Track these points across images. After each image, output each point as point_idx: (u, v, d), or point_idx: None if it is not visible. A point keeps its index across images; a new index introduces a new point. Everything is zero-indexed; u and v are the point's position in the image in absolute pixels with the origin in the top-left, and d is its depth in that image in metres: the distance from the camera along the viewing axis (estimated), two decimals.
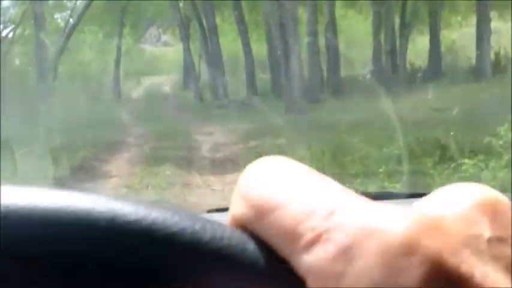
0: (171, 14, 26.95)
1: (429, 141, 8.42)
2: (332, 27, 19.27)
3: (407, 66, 21.64)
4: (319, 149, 8.83)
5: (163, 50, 47.54)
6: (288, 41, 14.18)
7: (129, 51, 31.75)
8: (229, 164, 9.12)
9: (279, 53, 18.18)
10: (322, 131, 10.79)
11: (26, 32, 22.46)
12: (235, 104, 17.67)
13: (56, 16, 26.58)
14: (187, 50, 22.45)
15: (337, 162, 8.01)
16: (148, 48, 46.95)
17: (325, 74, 19.39)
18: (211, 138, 11.55)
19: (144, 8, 29.23)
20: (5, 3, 24.01)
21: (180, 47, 35.70)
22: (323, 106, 15.39)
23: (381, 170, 7.00)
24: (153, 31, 52.80)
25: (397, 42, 20.44)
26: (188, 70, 27.87)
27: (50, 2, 25.62)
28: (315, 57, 17.08)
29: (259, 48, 24.51)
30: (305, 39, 17.13)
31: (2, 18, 23.82)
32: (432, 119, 10.98)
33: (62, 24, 24.15)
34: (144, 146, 10.51)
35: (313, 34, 16.82)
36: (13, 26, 22.56)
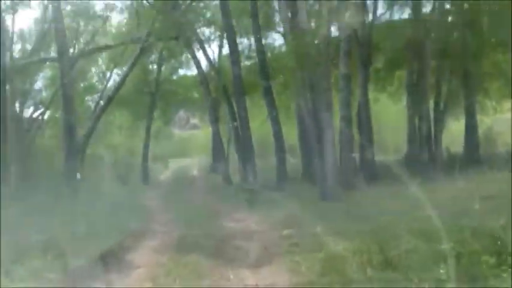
0: (201, 97, 27.12)
1: (483, 235, 7.63)
2: (365, 111, 18.90)
3: (443, 151, 21.02)
4: (363, 241, 8.11)
5: (192, 133, 47.84)
6: (322, 125, 13.71)
7: (158, 134, 31.83)
8: (263, 255, 8.46)
9: (311, 137, 17.82)
10: (360, 220, 10.09)
11: (56, 114, 22.62)
12: (265, 189, 17.07)
13: (86, 98, 26.87)
14: (216, 133, 22.21)
15: (384, 256, 7.25)
16: (176, 131, 47.36)
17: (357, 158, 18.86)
18: (242, 225, 10.90)
19: (173, 91, 29.43)
20: (37, 85, 24.39)
21: (208, 130, 35.81)
22: (358, 193, 14.71)
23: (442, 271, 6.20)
24: (181, 115, 53.52)
25: (432, 127, 19.76)
26: (217, 153, 27.62)
27: (82, 84, 25.94)
28: (349, 141, 16.55)
29: (289, 132, 24.20)
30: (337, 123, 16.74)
31: (33, 100, 24.11)
32: (479, 208, 10.19)
33: (92, 106, 24.17)
34: (172, 234, 9.92)
35: (347, 118, 16.39)
36: (43, 108, 22.74)
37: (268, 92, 21.21)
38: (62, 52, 13.28)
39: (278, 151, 21.37)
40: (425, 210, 9.17)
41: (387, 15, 20.88)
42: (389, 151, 29.00)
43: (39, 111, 23.21)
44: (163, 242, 9.50)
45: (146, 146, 26.20)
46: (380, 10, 20.22)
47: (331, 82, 14.37)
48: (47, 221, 8.51)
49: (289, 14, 15.54)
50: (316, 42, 13.69)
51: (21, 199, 10.36)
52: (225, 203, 15.11)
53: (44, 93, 24.51)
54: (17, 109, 23.69)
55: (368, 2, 19.18)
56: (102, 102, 21.92)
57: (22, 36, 23.37)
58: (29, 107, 24.27)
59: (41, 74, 24.81)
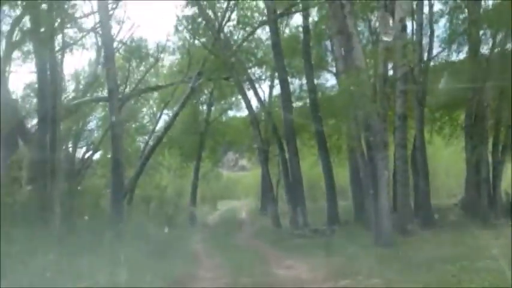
0: (250, 138, 26.78)
1: None
2: (421, 152, 18.10)
3: (503, 195, 19.95)
4: None
5: (240, 175, 47.56)
6: (377, 167, 12.99)
7: (207, 174, 31.65)
8: None
9: (364, 179, 17.06)
10: (420, 270, 9.30)
11: (108, 155, 22.65)
12: (316, 234, 16.39)
13: (138, 139, 26.95)
14: (265, 174, 21.67)
15: None
16: (225, 172, 47.19)
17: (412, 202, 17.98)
18: (293, 273, 10.22)
19: (222, 132, 29.26)
20: (90, 126, 24.55)
21: (256, 172, 35.37)
22: (414, 239, 13.85)
23: None
24: (230, 156, 53.56)
25: (491, 170, 18.74)
26: (265, 195, 27.08)
27: (133, 125, 26.04)
28: (404, 184, 15.71)
29: (339, 174, 23.49)
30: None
31: (86, 141, 24.25)
32: None
33: (142, 146, 24.12)
34: (220, 281, 9.33)
35: (403, 159, 15.63)
36: (92, 146, 22.77)
37: (319, 133, 20.72)
38: (111, 92, 13.12)
39: (329, 193, 20.69)
40: (489, 259, 8.39)
41: (444, 54, 20.38)
42: (444, 194, 27.92)
43: (91, 152, 23.30)
44: None
45: (194, 187, 26.01)
46: (437, 49, 19.71)
47: (387, 122, 13.67)
48: (87, 266, 8.08)
49: (343, 52, 15.06)
50: (371, 80, 13.14)
51: (64, 242, 10.03)
52: (275, 248, 14.44)
53: (96, 134, 24.64)
54: (70, 149, 23.93)
55: (424, 41, 18.53)
56: (151, 143, 21.84)
57: (76, 77, 23.70)
58: (81, 147, 24.54)
59: (94, 115, 25.07)
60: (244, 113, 28.80)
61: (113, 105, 13.05)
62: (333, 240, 15.02)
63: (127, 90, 20.89)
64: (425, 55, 18.69)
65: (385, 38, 13.27)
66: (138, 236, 12.80)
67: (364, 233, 15.55)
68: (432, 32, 19.03)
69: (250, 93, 22.19)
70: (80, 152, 23.91)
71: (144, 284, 7.94)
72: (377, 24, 21.74)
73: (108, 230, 11.57)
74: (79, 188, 16.25)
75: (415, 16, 18.24)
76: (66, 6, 15.36)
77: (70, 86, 23.53)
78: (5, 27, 16.82)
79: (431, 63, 19.16)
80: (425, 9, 18.79)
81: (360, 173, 17.55)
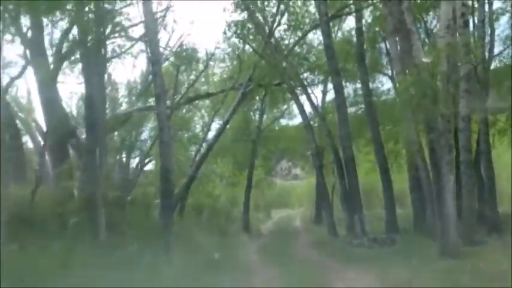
0: (304, 144, 26.13)
1: None
2: (486, 156, 17.06)
3: None
4: None
5: (294, 183, 46.87)
6: (441, 171, 12.13)
7: (259, 183, 31.14)
8: None
9: (425, 185, 16.17)
10: (494, 282, 8.47)
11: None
12: (376, 243, 15.57)
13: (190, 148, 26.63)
14: (320, 181, 20.89)
15: None
16: (278, 181, 46.61)
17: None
18: (352, 282, 9.54)
19: (275, 139, 28.64)
20: (144, 136, 24.48)
21: (309, 181, 34.68)
22: (482, 249, 12.85)
23: None
24: (284, 164, 52.93)
25: None
26: (320, 203, 26.34)
27: (186, 134, 25.78)
28: (470, 190, 14.69)
29: (397, 180, 22.49)
30: None
31: (139, 151, 24.17)
32: None
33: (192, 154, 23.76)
34: None
35: (468, 163, 14.62)
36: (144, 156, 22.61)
37: (376, 138, 19.90)
38: (158, 97, 12.76)
39: (387, 201, 19.77)
40: None
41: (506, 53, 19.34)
42: (507, 201, 26.43)
43: (143, 161, 23.17)
44: None
45: (247, 195, 25.42)
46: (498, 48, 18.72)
47: (451, 123, 12.74)
48: (129, 280, 7.62)
49: (400, 52, 14.24)
50: (433, 80, 12.28)
51: (110, 252, 9.65)
52: (333, 259, 13.71)
53: (148, 143, 24.51)
54: (124, 159, 23.90)
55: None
56: (202, 151, 21.45)
57: (128, 86, 23.66)
58: (135, 158, 24.50)
59: (147, 125, 25.00)
60: (296, 121, 28.31)
61: (161, 111, 12.65)
62: (395, 250, 14.20)
63: (177, 98, 20.56)
64: (487, 54, 17.69)
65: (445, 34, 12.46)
66: (189, 246, 12.36)
67: (426, 243, 14.68)
68: (493, 30, 18.09)
69: (303, 99, 21.50)
70: (134, 162, 23.92)
71: None
72: (433, 25, 20.99)
73: (156, 239, 11.14)
74: (129, 198, 15.90)
75: (476, 13, 17.31)
76: (113, 14, 15.19)
77: (122, 96, 23.54)
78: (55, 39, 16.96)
79: (493, 63, 18.19)
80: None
81: (421, 179, 16.77)
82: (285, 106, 28.26)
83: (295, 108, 24.43)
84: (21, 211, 10.46)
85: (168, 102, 16.79)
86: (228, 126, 22.35)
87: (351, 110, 22.97)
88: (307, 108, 21.70)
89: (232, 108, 20.90)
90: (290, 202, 42.39)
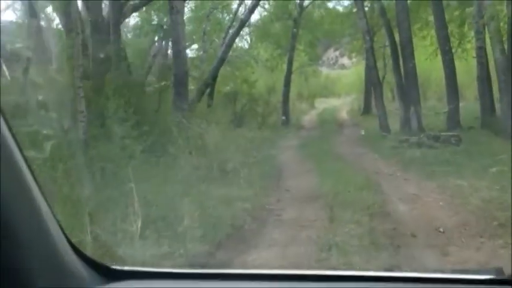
0: (353, 26, 22.89)
1: None
2: None
3: None
4: None
5: (340, 73, 43.50)
6: None
7: (303, 69, 27.97)
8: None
9: (503, 72, 13.18)
10: None
11: None
12: (438, 142, 12.70)
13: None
14: (371, 65, 17.61)
15: None
16: (325, 70, 43.36)
17: None
18: (420, 208, 6.90)
19: (320, 20, 25.16)
20: None
21: (358, 68, 31.31)
22: None
23: None
24: (331, 54, 49.58)
25: None
26: (369, 93, 23.21)
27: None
28: None
29: (462, 67, 19.22)
30: None
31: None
32: None
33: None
34: (302, 222, 6.16)
35: None
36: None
37: (438, 15, 16.56)
38: None
39: (450, 90, 16.70)
40: None
41: None
42: None
43: None
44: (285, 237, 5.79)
45: (287, 82, 22.41)
46: None
47: None
48: None
49: None
50: None
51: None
52: (388, 161, 11.06)
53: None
54: None
55: None
56: (235, 25, 18.27)
57: None
58: None
59: None
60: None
61: None
62: (463, 150, 11.39)
63: None
64: None
65: None
66: (212, 139, 9.88)
67: (499, 142, 11.97)
68: None
69: None
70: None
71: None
72: None
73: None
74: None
75: None
76: None
77: None
78: None
79: None
80: None
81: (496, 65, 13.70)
82: None
83: None
84: None
85: None
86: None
87: None
88: None
89: None
90: (336, 91, 39.24)
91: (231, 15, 20.67)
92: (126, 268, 1.77)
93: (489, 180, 7.84)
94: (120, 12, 12.02)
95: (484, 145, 11.80)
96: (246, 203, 6.56)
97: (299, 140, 16.42)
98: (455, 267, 4.63)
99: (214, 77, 16.80)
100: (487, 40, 15.32)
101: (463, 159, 10.10)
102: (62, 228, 1.52)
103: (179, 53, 10.43)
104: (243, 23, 17.65)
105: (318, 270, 1.96)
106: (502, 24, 13.86)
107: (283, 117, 21.20)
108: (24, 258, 1.37)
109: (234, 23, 18.71)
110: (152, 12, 18.66)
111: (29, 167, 1.37)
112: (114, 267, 1.71)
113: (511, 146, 9.53)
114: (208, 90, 16.83)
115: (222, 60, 16.88)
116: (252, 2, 17.93)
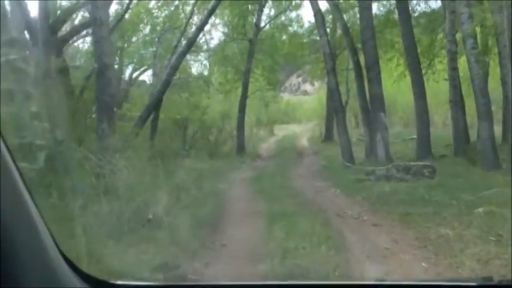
0: (313, 48, 21.49)
1: None
2: None
3: None
4: None
5: (302, 99, 42.10)
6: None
7: (261, 93, 26.20)
8: None
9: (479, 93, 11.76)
10: None
11: None
12: (408, 174, 11.05)
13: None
14: (334, 88, 15.78)
15: None
16: (287, 96, 42.04)
17: None
18: (391, 265, 5.11)
19: (278, 41, 23.54)
20: None
21: (320, 95, 29.75)
22: None
23: None
24: (293, 80, 48.82)
25: None
26: (331, 118, 21.42)
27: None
28: None
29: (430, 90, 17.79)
30: None
31: None
32: None
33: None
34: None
35: None
36: None
37: (407, 36, 15.25)
38: None
39: (420, 116, 15.23)
40: None
41: None
42: None
43: None
44: None
45: (242, 108, 20.43)
46: None
47: None
48: None
49: None
50: None
51: None
52: (353, 199, 9.31)
53: None
54: None
55: None
56: (182, 45, 16.39)
57: None
58: None
59: None
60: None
61: None
62: (438, 184, 9.74)
63: None
64: None
65: None
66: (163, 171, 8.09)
67: (479, 174, 10.62)
68: None
69: None
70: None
71: None
72: None
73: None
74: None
75: None
76: None
77: None
78: None
79: None
80: None
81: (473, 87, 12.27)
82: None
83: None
84: None
85: None
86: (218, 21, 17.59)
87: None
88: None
89: None
90: (297, 117, 37.71)
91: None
92: (119, 282, 1.84)
93: (478, 226, 6.26)
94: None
95: (461, 177, 10.32)
96: (157, 274, 4.61)
97: (253, 172, 14.61)
98: None
99: (157, 102, 14.92)
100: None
101: (441, 196, 8.48)
102: (55, 242, 1.50)
103: (103, 72, 8.60)
104: (191, 42, 15.85)
105: (309, 281, 2.55)
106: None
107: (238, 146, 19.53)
108: (18, 272, 1.34)
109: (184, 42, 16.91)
110: None
111: (23, 179, 1.34)
112: (107, 280, 1.77)
113: None
114: (151, 116, 14.97)
115: (167, 83, 15.01)
116: (200, 19, 16.20)
